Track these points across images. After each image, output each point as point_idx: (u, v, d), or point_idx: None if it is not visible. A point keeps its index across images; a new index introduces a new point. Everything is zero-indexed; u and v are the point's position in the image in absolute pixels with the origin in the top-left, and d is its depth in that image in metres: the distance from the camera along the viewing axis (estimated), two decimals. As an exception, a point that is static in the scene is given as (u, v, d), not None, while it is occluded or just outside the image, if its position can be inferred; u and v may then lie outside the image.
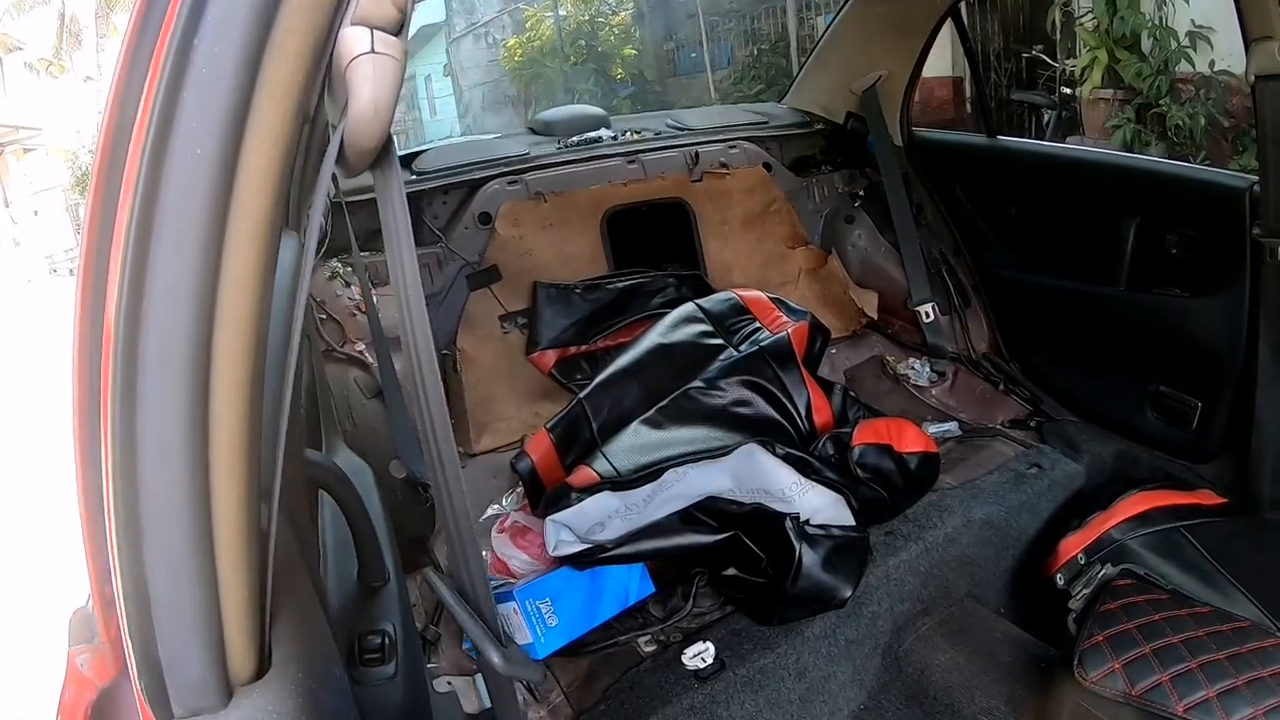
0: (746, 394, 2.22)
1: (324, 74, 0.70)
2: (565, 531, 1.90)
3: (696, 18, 13.03)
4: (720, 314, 2.40)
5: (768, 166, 3.11)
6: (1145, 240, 2.53)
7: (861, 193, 3.28)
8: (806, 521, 1.94)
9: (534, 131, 3.12)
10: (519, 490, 2.25)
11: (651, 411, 2.14)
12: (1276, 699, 1.51)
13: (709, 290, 2.74)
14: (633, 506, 1.94)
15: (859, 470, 2.14)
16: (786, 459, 2.02)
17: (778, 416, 2.23)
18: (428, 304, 2.27)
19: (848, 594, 1.90)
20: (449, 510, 1.03)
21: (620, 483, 1.98)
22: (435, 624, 1.96)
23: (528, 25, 15.70)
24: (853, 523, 2.02)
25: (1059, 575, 2.13)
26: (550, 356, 2.66)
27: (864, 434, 2.21)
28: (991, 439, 2.65)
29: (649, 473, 1.99)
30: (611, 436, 2.12)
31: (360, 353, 2.17)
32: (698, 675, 1.79)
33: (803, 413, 2.26)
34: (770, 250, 3.13)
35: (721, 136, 3.08)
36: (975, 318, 3.07)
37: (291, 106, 0.66)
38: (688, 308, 2.42)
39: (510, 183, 2.74)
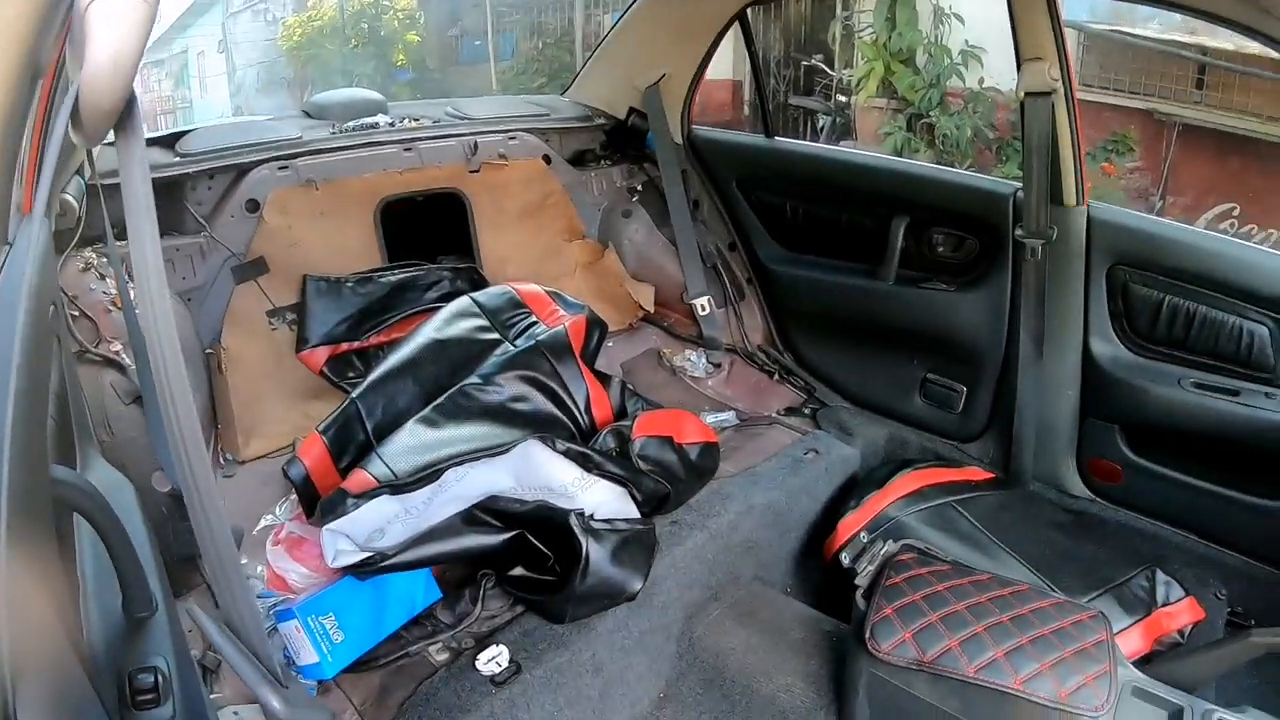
0: (524, 389, 2.16)
1: (64, 19, 0.59)
2: (344, 540, 1.81)
3: (483, 7, 12.96)
4: (496, 308, 2.35)
5: (547, 159, 3.09)
6: (914, 239, 2.68)
7: (639, 187, 3.32)
8: (591, 516, 1.93)
9: (308, 115, 2.98)
10: (293, 498, 2.12)
11: (427, 410, 2.05)
12: (1059, 653, 1.64)
13: (485, 284, 2.70)
14: (412, 510, 1.86)
15: (641, 462, 2.14)
16: (567, 454, 1.99)
17: (556, 411, 2.19)
18: (190, 299, 2.37)
19: (638, 586, 1.91)
20: (206, 532, 0.92)
21: (398, 486, 1.89)
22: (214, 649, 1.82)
23: (310, 4, 15.04)
24: (637, 515, 2.03)
25: (843, 554, 2.22)
26: (321, 354, 2.53)
27: (644, 426, 2.21)
28: (768, 427, 2.73)
29: (428, 474, 1.91)
30: (387, 437, 2.02)
31: (116, 354, 2.00)
32: (494, 681, 1.76)
33: (582, 407, 2.24)
34: (547, 243, 3.11)
35: (501, 127, 3.04)
36: (750, 310, 3.17)
37: (16, 55, 0.55)
38: (463, 302, 2.35)
39: (280, 168, 2.59)
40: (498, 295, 2.39)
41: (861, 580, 1.93)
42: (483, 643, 1.85)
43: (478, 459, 1.94)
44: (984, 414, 2.66)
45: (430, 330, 2.27)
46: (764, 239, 3.10)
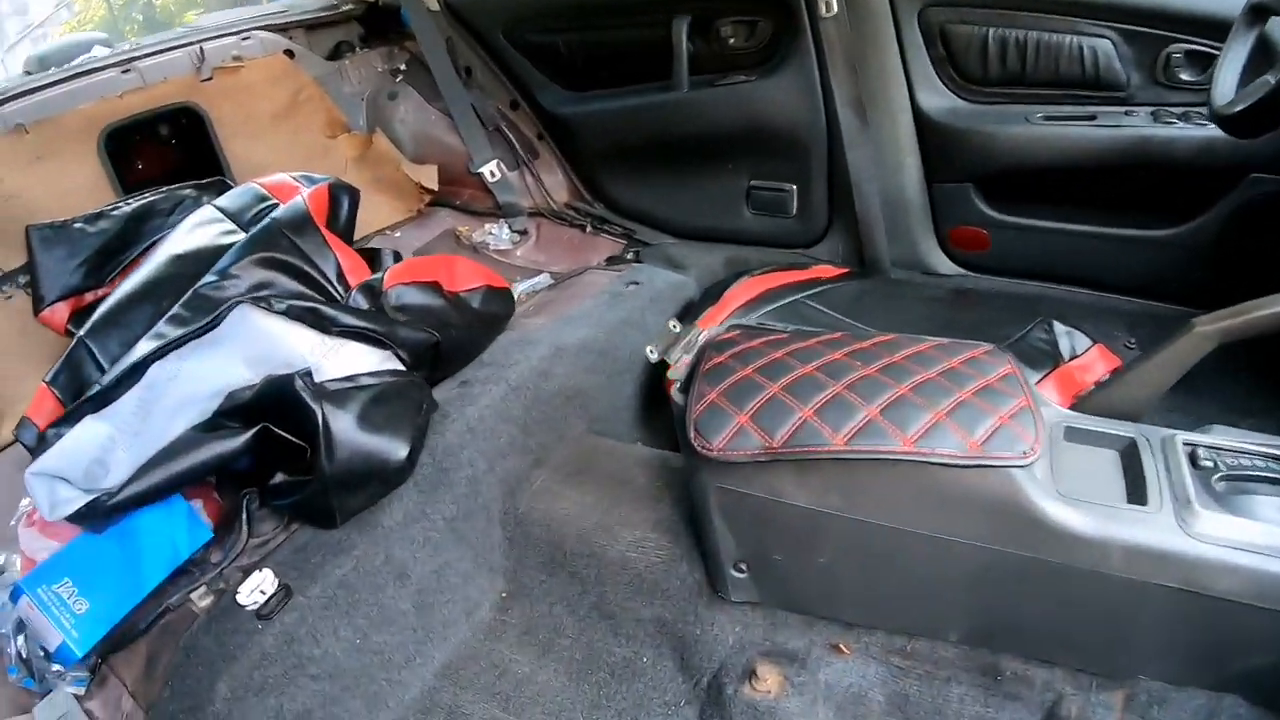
0: (265, 274, 1.83)
1: None
2: (61, 486, 1.52)
3: None
4: (241, 208, 2.06)
5: (289, 54, 2.84)
6: (701, 39, 2.47)
7: (403, 67, 3.13)
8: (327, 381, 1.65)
9: (29, 74, 2.69)
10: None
11: (162, 324, 1.74)
12: (954, 396, 1.30)
13: None
14: (125, 427, 1.58)
15: (399, 316, 1.86)
16: (290, 314, 1.68)
17: (306, 289, 1.87)
18: None
19: (403, 453, 1.61)
20: None
21: (94, 397, 1.60)
22: None
23: (76, 11, 13.96)
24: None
25: (649, 349, 1.94)
26: (62, 310, 2.21)
27: (399, 274, 1.93)
28: (584, 276, 2.52)
29: (124, 372, 1.62)
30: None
31: None
32: (259, 615, 1.45)
33: (334, 279, 1.93)
34: (310, 143, 2.87)
35: (232, 30, 2.78)
36: (548, 167, 2.97)
37: None
38: (203, 211, 2.07)
39: None
40: (241, 194, 2.11)
41: (676, 373, 1.67)
42: (249, 574, 1.53)
43: (183, 344, 1.64)
44: (823, 210, 2.47)
45: (168, 247, 1.97)
46: (546, 87, 2.88)
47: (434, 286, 1.94)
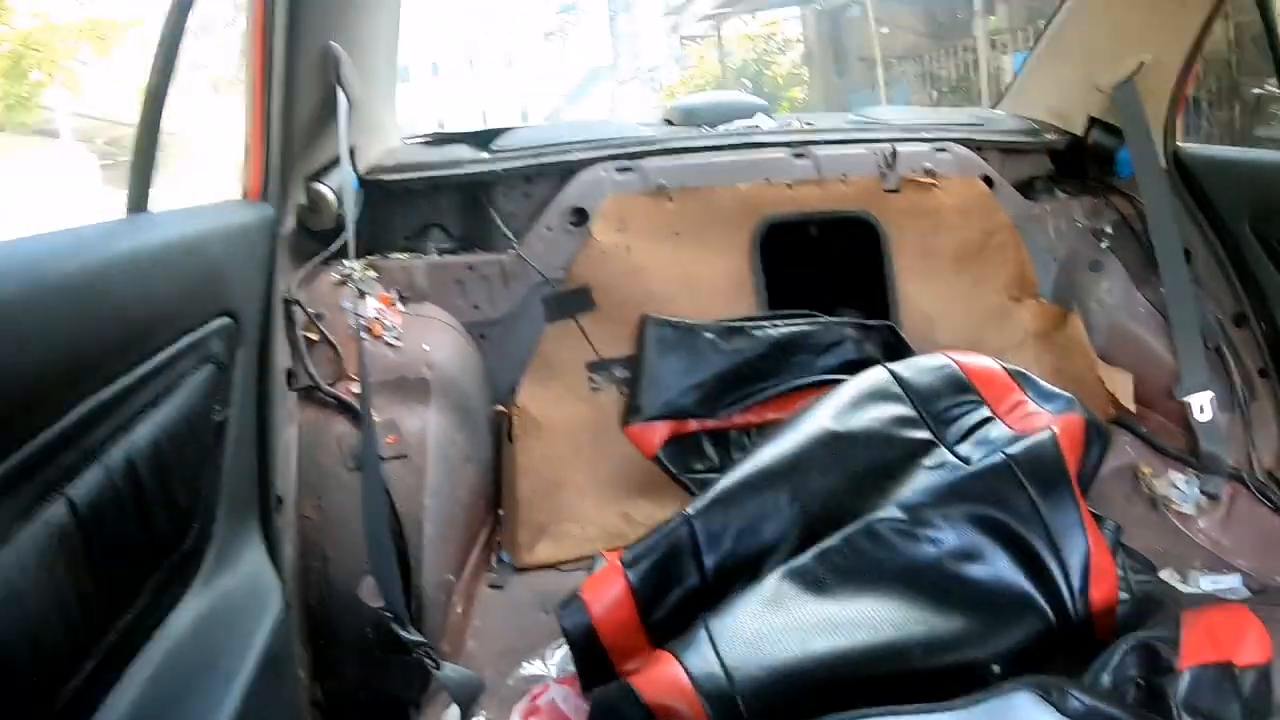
0: (977, 539, 1.29)
1: None
2: None
3: (871, 59, 12.67)
4: (929, 390, 1.54)
5: (988, 181, 2.31)
6: None
7: (1109, 229, 2.45)
8: None
9: (670, 124, 2.45)
10: (576, 645, 1.49)
11: (806, 556, 1.26)
12: None
13: (906, 351, 2.00)
14: None
15: None
16: (1081, 718, 1.08)
17: (1029, 587, 1.29)
18: (483, 335, 2.08)
19: None
20: None
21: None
22: None
23: (691, 66, 15.63)
24: None
25: None
26: (659, 430, 1.95)
27: (1195, 642, 1.25)
28: None
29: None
30: (731, 596, 1.26)
31: (358, 397, 1.58)
32: None
33: (1075, 581, 1.30)
34: (988, 303, 2.32)
35: (926, 135, 2.34)
36: (1264, 417, 2.21)
37: None
38: (877, 376, 1.58)
39: (621, 169, 2.09)
40: (931, 370, 1.59)
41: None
42: None
43: (898, 715, 1.09)
44: None
45: (825, 416, 1.50)
46: None
47: (1228, 670, 1.24)
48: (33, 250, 0.89)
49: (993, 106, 2.79)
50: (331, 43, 1.67)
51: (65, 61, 9.17)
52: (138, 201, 1.26)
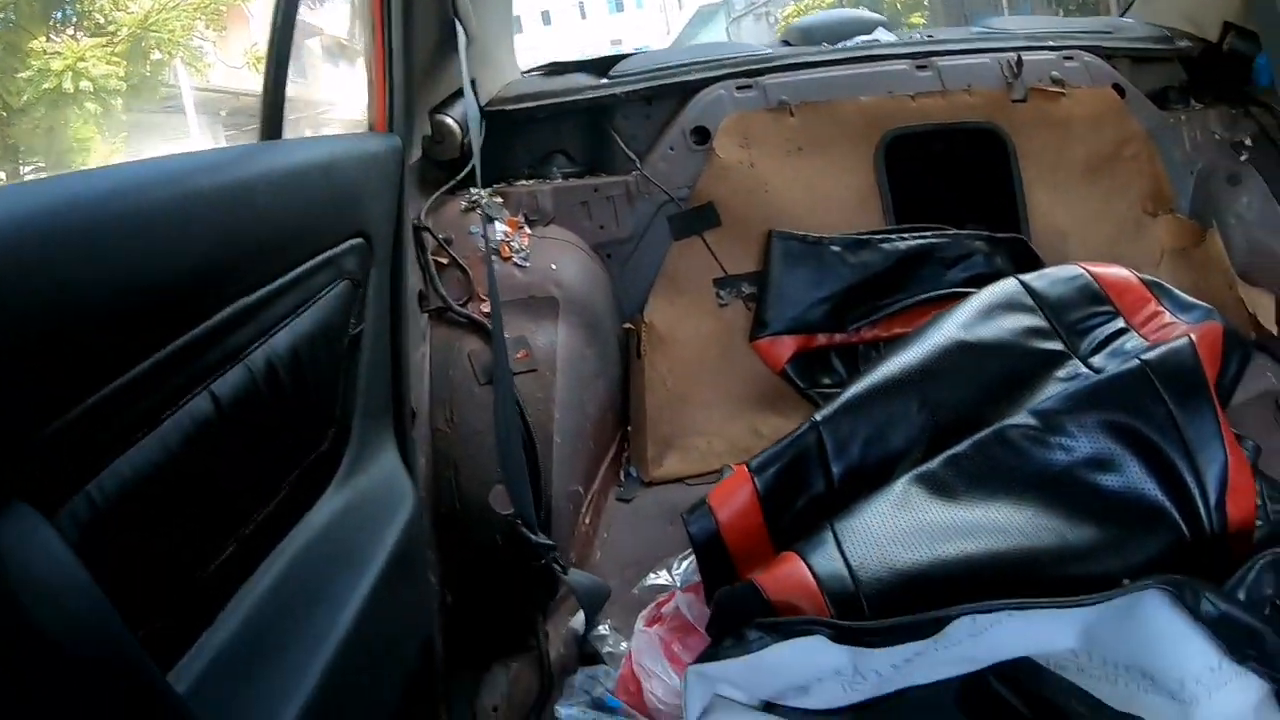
0: (1110, 448, 1.24)
1: None
2: (724, 687, 1.07)
3: None
4: (1061, 301, 1.48)
5: (1119, 90, 2.23)
6: None
7: (1248, 141, 2.32)
8: None
9: (788, 44, 2.45)
10: (703, 555, 1.48)
11: (935, 462, 1.23)
12: None
13: (1037, 263, 1.93)
14: (870, 673, 1.05)
15: None
16: (1215, 624, 1.03)
17: (1163, 498, 1.23)
18: (610, 255, 2.10)
19: None
20: None
21: (860, 632, 1.06)
22: None
23: None
24: None
25: None
26: (786, 345, 1.96)
27: None
28: None
29: (925, 622, 1.05)
30: (858, 499, 1.24)
31: (486, 316, 1.63)
32: None
33: (1212, 494, 1.24)
34: (1122, 215, 2.22)
35: (1052, 44, 2.28)
36: None
37: None
38: (1008, 287, 1.52)
39: (741, 87, 2.09)
40: (1064, 280, 1.53)
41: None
42: None
43: (1026, 609, 1.05)
44: None
45: (954, 326, 1.45)
46: None
47: None
48: (180, 165, 0.94)
49: (1122, 14, 2.68)
50: None
51: (183, 39, 9.58)
52: (271, 130, 1.30)
